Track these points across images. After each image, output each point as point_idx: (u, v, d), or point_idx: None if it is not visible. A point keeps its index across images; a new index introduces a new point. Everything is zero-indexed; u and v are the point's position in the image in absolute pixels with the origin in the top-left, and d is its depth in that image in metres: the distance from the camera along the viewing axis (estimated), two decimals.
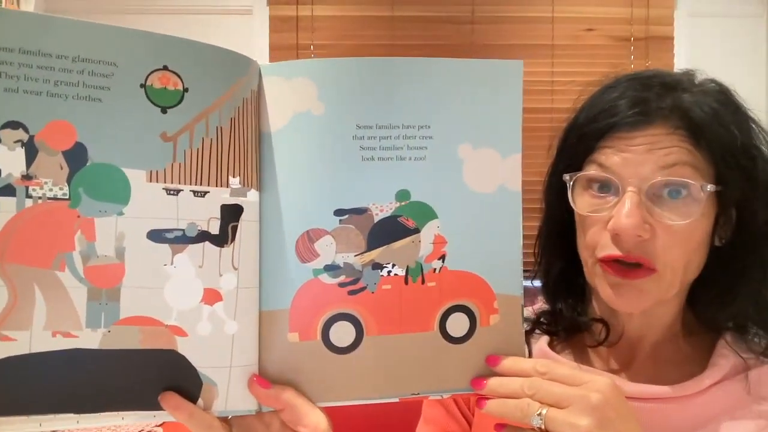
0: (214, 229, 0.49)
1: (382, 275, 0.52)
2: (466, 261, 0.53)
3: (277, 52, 2.68)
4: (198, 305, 0.49)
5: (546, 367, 0.51)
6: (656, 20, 2.56)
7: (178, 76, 0.48)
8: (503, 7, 2.63)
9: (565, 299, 0.69)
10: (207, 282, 0.49)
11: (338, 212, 0.51)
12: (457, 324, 0.53)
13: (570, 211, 0.64)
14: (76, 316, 0.46)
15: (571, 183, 0.63)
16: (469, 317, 0.54)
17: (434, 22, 2.63)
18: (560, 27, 2.61)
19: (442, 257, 0.53)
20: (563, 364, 0.53)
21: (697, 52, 2.53)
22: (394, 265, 0.52)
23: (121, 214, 0.47)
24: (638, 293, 0.60)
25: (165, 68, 0.47)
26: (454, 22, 2.63)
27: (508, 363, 0.53)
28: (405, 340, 0.52)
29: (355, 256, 0.51)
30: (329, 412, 0.52)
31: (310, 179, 0.51)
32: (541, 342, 0.70)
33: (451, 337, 0.53)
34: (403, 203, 0.52)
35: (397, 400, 0.53)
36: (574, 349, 0.70)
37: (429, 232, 0.53)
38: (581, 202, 0.62)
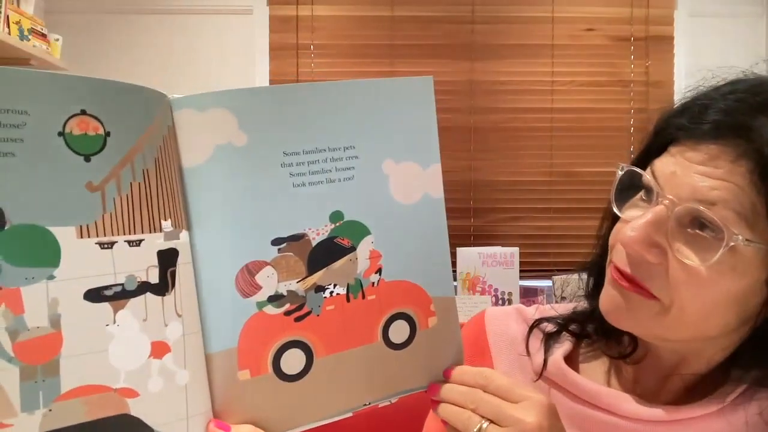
0: (154, 277, 0.46)
1: (325, 297, 0.53)
2: (401, 270, 0.55)
3: (277, 52, 2.65)
4: (147, 361, 0.46)
5: (486, 379, 0.53)
6: (656, 20, 2.58)
7: (98, 120, 0.44)
8: (503, 7, 2.63)
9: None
10: (153, 335, 0.46)
11: (276, 241, 0.51)
12: (399, 331, 0.56)
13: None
14: (8, 402, 0.41)
15: (620, 174, 0.58)
16: (408, 323, 0.56)
17: (434, 22, 2.63)
18: (560, 27, 2.62)
19: (379, 270, 0.55)
20: (500, 377, 0.54)
21: (697, 52, 2.54)
22: (335, 285, 0.53)
23: (51, 278, 0.42)
24: (630, 309, 0.56)
25: (83, 113, 0.43)
26: (454, 22, 2.63)
27: (456, 373, 0.56)
28: (352, 354, 0.54)
29: (297, 282, 0.52)
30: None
31: (243, 211, 0.50)
32: (558, 354, 0.66)
33: (394, 344, 0.56)
34: (337, 224, 0.53)
35: (351, 414, 0.55)
36: (601, 355, 0.67)
37: (364, 248, 0.54)
38: (631, 199, 0.58)
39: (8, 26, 2.11)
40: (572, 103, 2.58)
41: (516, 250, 2.31)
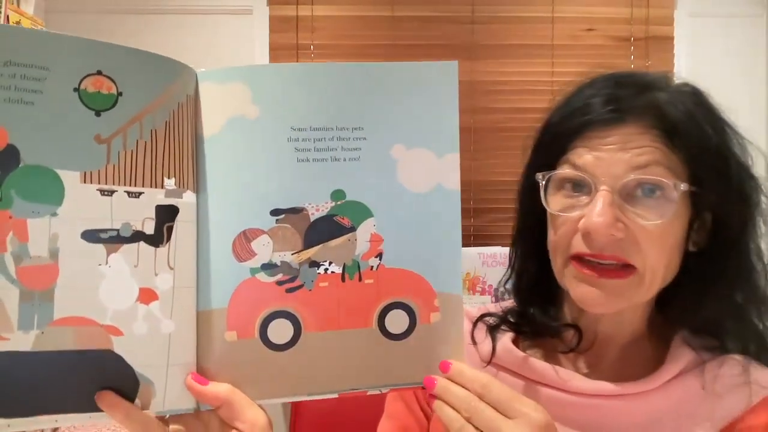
0: (149, 229, 0.50)
1: (319, 273, 0.54)
2: (404, 259, 0.55)
3: (277, 52, 2.66)
4: (133, 305, 0.50)
5: (484, 387, 0.53)
6: (656, 20, 2.58)
7: (112, 81, 0.49)
8: (503, 7, 2.63)
9: (538, 303, 0.70)
10: (142, 281, 0.50)
11: (274, 212, 0.53)
12: (397, 321, 0.56)
13: (544, 212, 0.65)
14: (7, 318, 0.46)
15: (544, 182, 0.63)
16: (408, 314, 0.56)
17: (434, 22, 2.63)
18: (560, 27, 2.62)
19: (379, 255, 0.55)
20: (499, 387, 0.53)
21: (697, 52, 2.54)
22: (331, 263, 0.54)
23: (54, 215, 0.47)
24: (613, 294, 0.61)
25: (99, 73, 0.49)
26: (454, 22, 2.63)
27: (455, 371, 0.55)
28: (343, 336, 0.55)
29: (292, 254, 0.54)
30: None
31: (247, 181, 0.53)
32: (506, 339, 0.71)
33: (391, 333, 0.56)
34: (338, 203, 0.54)
35: (336, 395, 0.55)
36: (540, 348, 0.71)
37: (365, 230, 0.55)
38: (554, 202, 0.63)
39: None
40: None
41: None
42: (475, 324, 0.74)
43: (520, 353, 0.69)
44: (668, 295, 0.65)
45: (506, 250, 2.60)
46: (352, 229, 0.54)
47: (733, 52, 2.50)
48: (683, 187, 0.59)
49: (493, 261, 2.37)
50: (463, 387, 0.54)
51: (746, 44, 2.51)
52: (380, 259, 0.55)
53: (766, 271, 0.64)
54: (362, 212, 0.54)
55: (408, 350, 0.55)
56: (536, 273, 0.70)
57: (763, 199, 0.64)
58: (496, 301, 2.22)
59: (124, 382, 0.49)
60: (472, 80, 2.65)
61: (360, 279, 0.55)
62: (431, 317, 0.56)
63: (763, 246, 0.65)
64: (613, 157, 0.59)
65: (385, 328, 0.55)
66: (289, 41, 2.64)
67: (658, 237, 0.59)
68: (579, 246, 0.61)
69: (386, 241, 0.55)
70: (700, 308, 0.64)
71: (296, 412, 1.94)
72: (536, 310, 0.70)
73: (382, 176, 0.54)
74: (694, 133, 0.60)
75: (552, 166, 0.64)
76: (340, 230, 0.54)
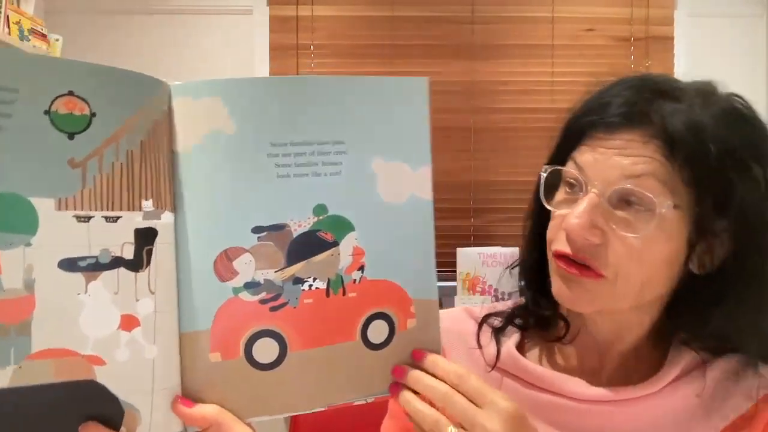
0: (128, 254, 0.49)
1: (303, 289, 0.53)
2: (384, 269, 0.55)
3: (277, 52, 2.66)
4: (115, 332, 0.48)
5: (459, 378, 0.53)
6: (656, 20, 2.59)
7: (85, 101, 0.47)
8: (503, 7, 2.64)
9: (534, 292, 0.71)
10: (123, 308, 0.48)
11: (256, 230, 0.52)
12: (378, 331, 0.56)
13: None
14: None
15: (545, 176, 0.64)
16: (388, 323, 0.56)
17: (434, 22, 2.63)
18: (560, 27, 2.62)
19: (361, 268, 0.55)
20: (474, 378, 0.54)
21: (697, 52, 2.54)
22: (315, 279, 0.54)
23: (28, 245, 0.45)
24: (585, 292, 0.61)
25: (70, 93, 0.46)
26: (454, 22, 2.63)
27: (429, 361, 0.55)
28: (329, 351, 0.54)
29: (275, 272, 0.53)
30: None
31: (226, 198, 0.51)
32: (510, 344, 0.70)
33: (372, 344, 0.56)
34: (320, 218, 0.53)
35: (324, 408, 0.55)
36: (546, 350, 0.72)
37: (347, 244, 0.54)
38: (557, 196, 0.64)
39: (8, 26, 2.12)
40: (572, 103, 2.58)
41: (516, 250, 2.31)
42: (480, 326, 0.73)
43: (523, 360, 0.68)
44: (677, 308, 0.64)
45: (506, 250, 2.60)
46: (335, 243, 0.54)
47: (733, 52, 2.51)
48: (667, 206, 0.57)
49: (493, 261, 2.37)
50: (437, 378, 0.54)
51: (746, 44, 2.52)
52: (362, 272, 0.55)
53: None
54: (344, 226, 0.54)
55: (388, 358, 0.56)
56: (537, 263, 0.69)
57: None
58: (496, 300, 2.22)
59: (108, 411, 0.48)
60: (472, 80, 2.65)
61: (344, 293, 0.54)
62: (407, 324, 0.56)
63: None
64: (610, 161, 0.58)
65: (368, 339, 0.55)
66: (289, 41, 2.64)
67: (635, 250, 0.58)
68: (561, 244, 0.61)
69: (367, 253, 0.55)
70: (707, 324, 0.62)
71: (295, 415, 1.94)
72: (530, 295, 0.72)
73: (363, 190, 0.54)
74: (694, 153, 0.57)
75: (562, 161, 0.64)
76: (324, 245, 0.54)
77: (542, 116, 2.61)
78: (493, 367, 0.69)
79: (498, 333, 0.72)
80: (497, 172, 2.63)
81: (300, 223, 0.53)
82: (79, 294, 0.47)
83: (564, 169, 0.62)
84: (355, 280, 0.55)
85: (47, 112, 0.46)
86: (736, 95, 0.62)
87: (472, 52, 2.63)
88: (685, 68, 2.51)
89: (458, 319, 0.76)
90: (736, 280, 0.60)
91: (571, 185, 0.62)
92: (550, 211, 0.65)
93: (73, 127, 0.46)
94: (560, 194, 0.64)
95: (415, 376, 0.55)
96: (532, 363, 0.68)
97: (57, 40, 2.33)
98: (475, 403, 0.53)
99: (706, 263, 0.61)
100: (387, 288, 0.56)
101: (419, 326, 0.57)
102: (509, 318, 0.73)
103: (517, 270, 0.74)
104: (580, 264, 0.60)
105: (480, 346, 0.72)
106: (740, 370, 0.63)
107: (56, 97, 0.46)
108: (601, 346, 0.68)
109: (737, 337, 0.63)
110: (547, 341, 0.71)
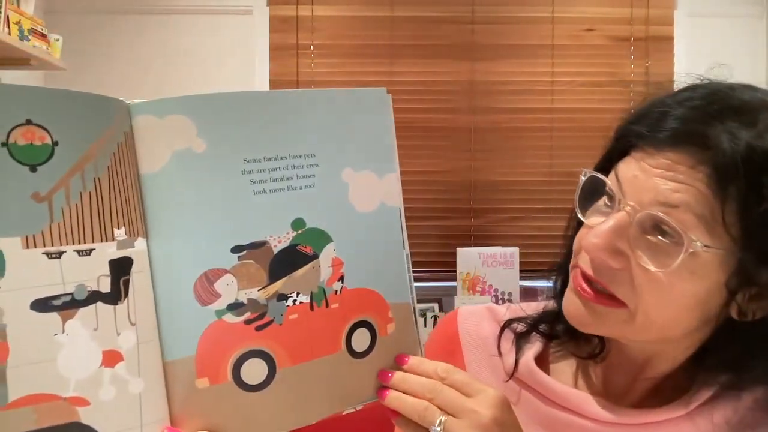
0: (105, 287, 0.46)
1: (287, 305, 0.53)
2: (361, 278, 0.56)
3: (277, 52, 2.66)
4: (97, 370, 0.46)
5: (446, 372, 0.54)
6: (656, 20, 2.58)
7: (45, 130, 0.43)
8: (503, 7, 2.63)
9: None
10: (105, 344, 0.46)
11: (235, 249, 0.51)
12: (361, 339, 0.56)
13: None
14: None
15: (583, 180, 0.59)
16: (369, 331, 0.56)
17: (434, 22, 2.63)
18: (560, 27, 2.62)
19: (341, 278, 0.55)
20: (460, 371, 0.55)
21: (697, 52, 2.54)
22: (298, 294, 0.53)
23: None
24: (596, 317, 0.57)
25: (29, 122, 0.43)
26: (454, 22, 2.63)
27: (414, 362, 0.56)
28: (317, 365, 0.54)
29: (258, 290, 0.51)
30: None
31: (202, 219, 0.50)
32: (530, 354, 0.67)
33: (357, 352, 0.56)
34: (299, 231, 0.53)
35: (315, 422, 0.55)
36: (570, 361, 0.68)
37: (327, 255, 0.54)
38: (595, 204, 0.59)
39: (8, 26, 2.11)
40: (572, 103, 2.58)
41: (516, 250, 2.31)
42: (501, 330, 0.70)
43: (541, 374, 0.65)
44: (715, 348, 0.58)
45: (506, 250, 2.60)
46: (315, 256, 0.54)
47: (733, 52, 2.50)
48: (699, 246, 0.50)
49: (493, 261, 2.37)
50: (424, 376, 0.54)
51: (746, 44, 2.51)
52: (342, 282, 0.55)
53: None
54: (322, 238, 0.54)
55: (373, 365, 0.56)
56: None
57: None
58: (496, 302, 2.22)
59: None
60: (472, 80, 2.64)
61: (327, 305, 0.54)
62: (387, 329, 0.57)
63: None
64: (649, 181, 0.52)
65: (352, 348, 0.56)
66: (289, 41, 2.64)
67: (658, 285, 0.53)
68: (584, 260, 0.57)
69: (346, 263, 0.55)
70: (747, 370, 0.56)
71: None
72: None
73: (337, 201, 0.54)
74: (750, 190, 0.48)
75: (607, 168, 0.58)
76: (304, 259, 0.53)
77: (542, 116, 2.60)
78: (510, 377, 0.67)
79: (520, 340, 0.68)
80: (497, 172, 2.63)
81: (279, 239, 0.52)
82: (56, 335, 0.44)
83: (600, 176, 0.57)
84: (336, 290, 0.55)
85: (5, 144, 0.42)
86: None
87: (472, 52, 2.62)
88: (686, 68, 2.51)
89: (480, 320, 0.73)
90: None
91: (609, 197, 0.56)
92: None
93: (34, 159, 0.43)
94: (599, 203, 0.58)
95: (401, 376, 0.55)
96: (552, 379, 0.65)
97: (57, 40, 2.32)
98: (462, 393, 0.53)
99: (749, 312, 0.54)
100: (365, 295, 0.56)
101: (398, 330, 0.57)
102: (534, 324, 0.69)
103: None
104: (595, 288, 0.56)
105: (500, 354, 0.69)
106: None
107: (13, 128, 0.42)
108: (631, 369, 0.64)
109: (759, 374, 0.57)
110: (576, 356, 0.67)
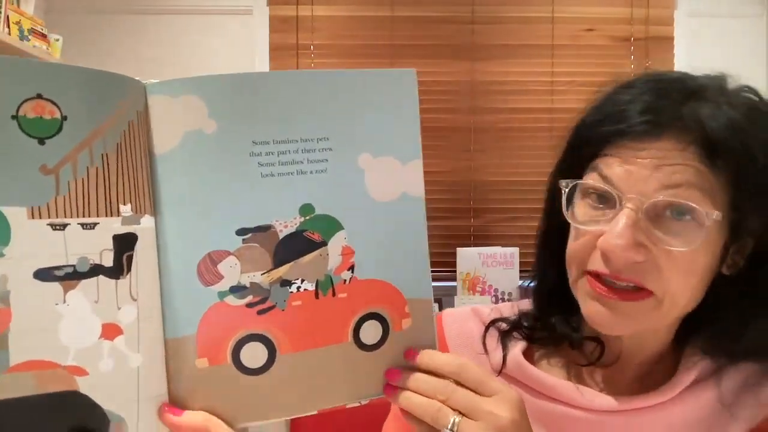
0: (108, 261, 0.47)
1: (291, 292, 0.52)
2: (375, 269, 0.54)
3: (277, 52, 2.66)
4: (97, 342, 0.47)
5: (460, 367, 0.52)
6: (656, 20, 2.58)
7: (55, 104, 0.45)
8: (503, 7, 2.63)
9: (559, 311, 0.67)
10: (105, 317, 0.47)
11: (240, 231, 0.50)
12: (371, 332, 0.54)
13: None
14: None
15: (567, 190, 0.60)
16: (381, 324, 0.55)
17: (434, 22, 2.63)
18: (560, 27, 2.62)
19: (351, 268, 0.53)
20: (475, 367, 0.52)
21: (697, 52, 2.54)
22: (303, 281, 0.52)
23: (1, 255, 0.44)
24: (625, 317, 0.57)
25: (39, 96, 0.44)
26: (454, 22, 2.63)
27: (425, 357, 0.54)
28: (320, 354, 0.53)
29: (262, 274, 0.51)
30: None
31: (208, 199, 0.50)
32: (516, 350, 0.68)
33: (365, 345, 0.54)
34: (307, 217, 0.52)
35: (315, 412, 0.54)
36: (555, 358, 0.69)
37: (336, 244, 0.53)
38: (578, 211, 0.59)
39: (8, 26, 2.12)
40: (572, 103, 2.58)
41: (516, 250, 2.31)
42: (486, 329, 0.71)
43: (531, 367, 0.66)
44: (696, 318, 0.61)
45: (506, 250, 2.61)
46: (323, 243, 0.52)
47: (733, 52, 2.50)
48: (716, 215, 0.53)
49: (493, 261, 2.37)
50: (434, 374, 0.53)
51: (746, 44, 2.52)
52: (352, 272, 0.53)
53: None
54: (332, 226, 0.53)
55: (383, 359, 0.54)
56: (557, 279, 0.65)
57: None
58: (496, 302, 2.23)
59: (93, 422, 0.47)
60: (472, 80, 2.65)
61: (333, 294, 0.53)
62: (403, 324, 0.55)
63: None
64: (645, 173, 0.54)
65: (360, 340, 0.54)
66: (289, 41, 2.64)
67: (683, 264, 0.55)
68: (596, 264, 0.57)
69: (357, 253, 0.53)
70: (737, 335, 0.59)
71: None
72: (557, 318, 0.67)
73: (351, 187, 0.53)
74: (738, 154, 0.53)
75: (579, 172, 0.60)
76: (311, 246, 0.52)
77: (542, 116, 2.60)
78: (499, 373, 0.67)
79: (505, 337, 0.69)
80: (497, 172, 2.63)
81: (286, 224, 0.51)
82: (57, 304, 0.45)
83: (594, 183, 0.57)
84: (345, 280, 0.53)
85: (15, 117, 0.44)
86: (747, 87, 0.59)
87: (472, 52, 2.62)
88: (686, 68, 2.51)
89: (465, 321, 0.74)
90: (764, 279, 0.58)
91: (599, 199, 0.58)
92: (565, 228, 0.62)
93: (43, 132, 0.45)
94: (583, 208, 0.59)
95: (412, 375, 0.53)
96: (541, 371, 0.66)
97: (57, 40, 2.33)
98: (477, 393, 0.51)
99: (734, 264, 0.59)
100: (380, 288, 0.54)
101: (414, 326, 0.55)
102: (515, 325, 0.70)
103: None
104: (618, 287, 0.57)
105: (486, 351, 0.70)
106: (758, 380, 0.61)
107: (24, 101, 0.44)
108: (619, 359, 0.65)
109: (755, 344, 0.60)
110: (577, 364, 0.67)
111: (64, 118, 0.45)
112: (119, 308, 0.48)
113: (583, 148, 0.60)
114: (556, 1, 2.59)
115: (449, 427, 0.50)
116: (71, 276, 0.46)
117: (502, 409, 0.50)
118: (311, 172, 0.52)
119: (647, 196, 0.54)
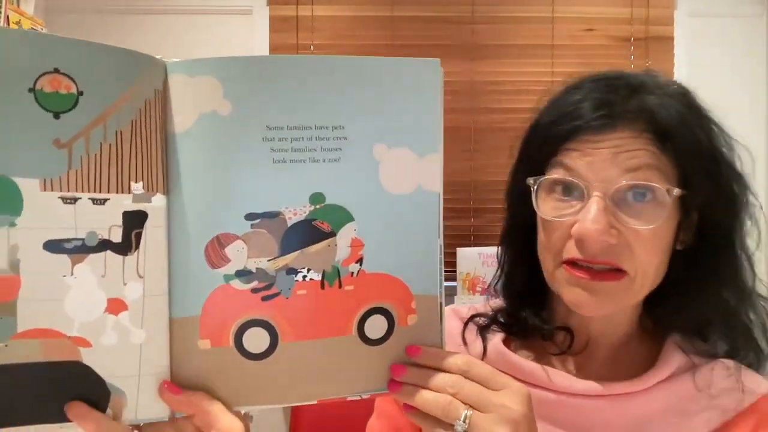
0: (116, 237, 0.48)
1: (297, 280, 0.52)
2: (384, 263, 0.53)
3: (277, 52, 2.66)
4: (102, 315, 0.48)
5: (468, 364, 0.53)
6: (656, 20, 2.58)
7: (71, 79, 0.45)
8: (503, 7, 2.63)
9: (529, 305, 0.70)
10: (110, 292, 0.48)
11: (249, 216, 0.50)
12: (376, 326, 0.54)
13: (533, 214, 0.65)
14: None
15: (536, 187, 0.63)
16: (387, 318, 0.54)
17: (434, 22, 2.63)
18: (560, 27, 2.62)
19: (360, 260, 0.53)
20: (483, 363, 0.53)
21: (697, 52, 2.54)
22: (309, 270, 0.52)
23: (13, 225, 0.45)
24: (605, 297, 0.61)
25: (56, 71, 0.45)
26: (454, 22, 2.63)
27: (430, 355, 0.54)
28: (322, 344, 0.53)
29: (268, 261, 0.51)
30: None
31: (219, 182, 0.50)
32: (496, 339, 0.71)
33: (370, 339, 0.54)
34: (317, 206, 0.51)
35: (315, 402, 0.54)
36: (531, 350, 0.72)
37: (345, 235, 0.52)
38: (545, 206, 0.63)
39: (8, 26, 2.11)
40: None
41: None
42: (465, 324, 0.74)
43: (511, 354, 0.69)
44: (657, 295, 0.66)
45: None
46: (332, 234, 0.52)
47: (733, 52, 2.50)
48: (676, 192, 0.60)
49: (493, 261, 2.34)
50: (440, 370, 0.53)
51: (746, 44, 2.51)
52: (361, 265, 0.53)
53: (752, 267, 0.66)
54: (342, 216, 0.52)
55: (386, 354, 0.54)
56: (526, 275, 0.70)
57: (750, 197, 0.65)
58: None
59: (94, 393, 0.48)
60: (472, 80, 2.65)
61: (340, 286, 0.52)
62: (408, 320, 0.54)
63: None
64: (605, 161, 0.59)
65: (365, 334, 0.54)
66: (289, 41, 2.64)
67: (649, 241, 0.60)
68: (572, 251, 0.61)
69: (367, 245, 0.52)
70: (689, 307, 0.65)
71: (296, 412, 1.94)
72: (528, 312, 0.70)
73: (364, 178, 0.52)
74: (685, 137, 0.60)
75: (541, 170, 0.64)
76: (319, 236, 0.52)
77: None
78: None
79: (484, 331, 0.72)
80: (497, 172, 2.63)
81: (295, 212, 0.51)
82: (64, 276, 0.46)
83: (560, 176, 0.62)
84: (352, 272, 0.53)
85: (32, 90, 0.44)
86: (671, 80, 0.65)
87: (472, 52, 2.63)
88: (686, 68, 2.51)
89: (446, 320, 0.75)
90: (710, 253, 0.64)
91: (564, 191, 0.62)
92: (532, 223, 0.66)
93: (58, 106, 0.45)
94: (551, 203, 0.63)
95: (418, 372, 0.53)
96: (521, 357, 0.68)
97: None
98: (486, 387, 0.52)
99: (686, 240, 0.65)
100: (387, 282, 0.53)
101: (420, 323, 0.55)
102: (492, 320, 0.73)
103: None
104: (595, 270, 0.60)
105: (465, 344, 0.72)
106: (730, 375, 0.65)
107: (41, 75, 0.45)
108: (590, 343, 0.69)
109: (718, 324, 0.66)
110: (551, 354, 0.70)
111: (80, 93, 0.46)
112: (125, 284, 0.48)
113: (543, 147, 0.64)
114: (556, 1, 2.59)
115: (462, 419, 0.50)
116: (80, 249, 0.47)
117: (513, 402, 0.51)
118: (324, 161, 0.51)
119: (611, 182, 0.59)
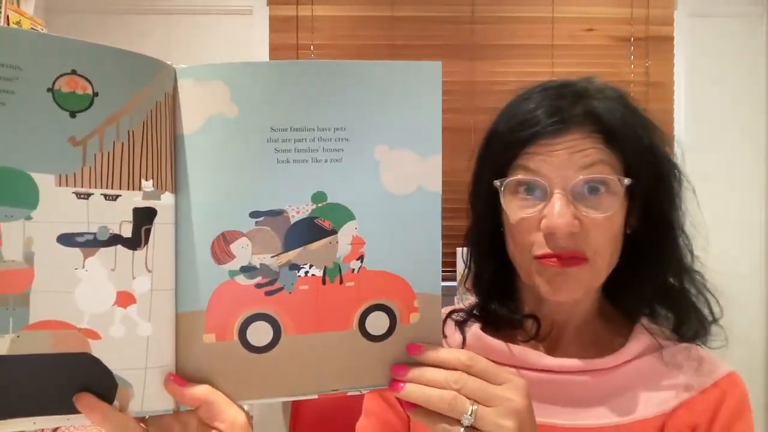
0: (127, 232, 0.50)
1: (299, 276, 0.54)
2: (386, 261, 0.55)
3: (277, 52, 2.66)
4: (111, 308, 0.50)
5: (470, 360, 0.54)
6: (656, 20, 2.58)
7: (88, 80, 0.48)
8: (503, 7, 2.63)
9: (499, 299, 0.77)
10: (120, 285, 0.50)
11: (254, 214, 0.52)
12: (377, 322, 0.56)
13: (497, 214, 0.72)
14: None
15: (503, 188, 0.69)
16: (389, 316, 0.56)
17: (434, 22, 2.63)
18: (560, 27, 2.62)
19: (361, 258, 0.55)
20: (484, 359, 0.55)
21: (697, 52, 2.54)
22: (311, 266, 0.54)
23: (29, 218, 0.47)
24: (574, 282, 0.68)
25: (73, 72, 0.48)
26: (454, 22, 2.63)
27: (432, 352, 0.55)
28: (323, 338, 0.55)
29: (272, 257, 0.53)
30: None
31: (225, 181, 0.52)
32: (474, 327, 0.77)
33: (371, 335, 0.56)
34: (319, 205, 0.54)
35: (316, 396, 0.56)
36: (503, 338, 0.76)
37: (347, 233, 0.54)
38: (512, 207, 0.69)
39: (8, 26, 2.11)
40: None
41: None
42: (444, 320, 0.77)
43: (491, 339, 0.74)
44: (612, 280, 0.73)
45: None
46: (333, 232, 0.54)
47: (733, 52, 2.50)
48: (627, 181, 0.67)
49: None
50: (445, 365, 0.54)
51: (746, 44, 2.51)
52: (362, 262, 0.55)
53: (689, 245, 0.73)
54: (344, 215, 0.54)
55: (388, 351, 0.56)
56: (493, 270, 0.76)
57: (684, 182, 0.74)
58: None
59: (102, 384, 0.50)
60: (472, 80, 2.65)
61: (341, 282, 0.54)
62: (410, 318, 0.56)
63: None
64: (563, 161, 0.66)
65: (366, 330, 0.55)
66: (289, 41, 2.65)
67: (605, 227, 0.67)
68: (542, 247, 0.67)
69: (368, 243, 0.54)
70: (640, 285, 0.73)
71: (296, 413, 1.94)
72: (496, 304, 0.76)
73: (365, 178, 0.54)
74: (628, 134, 0.68)
75: (503, 172, 0.70)
76: (321, 233, 0.54)
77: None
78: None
79: (462, 325, 0.77)
80: None
81: (298, 210, 0.53)
82: (76, 269, 0.48)
83: (524, 177, 0.68)
84: (353, 269, 0.54)
85: (50, 90, 0.47)
86: (605, 84, 0.72)
87: (472, 52, 2.63)
88: (686, 68, 2.51)
89: None
90: (653, 235, 0.71)
91: (528, 191, 0.69)
92: (496, 223, 0.72)
93: (75, 106, 0.47)
94: (516, 202, 0.69)
95: (418, 372, 0.54)
96: (498, 341, 0.74)
97: None
98: (488, 382, 0.54)
99: (632, 225, 0.72)
100: (388, 279, 0.55)
101: (422, 321, 0.56)
102: (470, 314, 0.79)
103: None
104: (563, 258, 0.67)
105: (445, 336, 0.75)
106: (692, 355, 0.73)
107: (59, 76, 0.47)
108: (556, 327, 0.75)
109: (663, 299, 0.74)
110: (520, 341, 0.75)
111: (96, 94, 0.48)
112: (134, 278, 0.50)
113: (505, 152, 0.70)
114: (556, 1, 2.59)
115: (468, 413, 0.51)
116: (91, 243, 0.49)
117: (516, 394, 0.53)
118: (326, 161, 0.53)
119: (570, 179, 0.66)
